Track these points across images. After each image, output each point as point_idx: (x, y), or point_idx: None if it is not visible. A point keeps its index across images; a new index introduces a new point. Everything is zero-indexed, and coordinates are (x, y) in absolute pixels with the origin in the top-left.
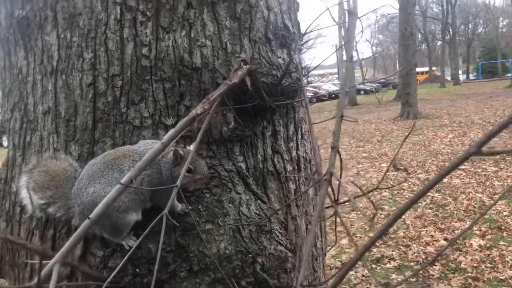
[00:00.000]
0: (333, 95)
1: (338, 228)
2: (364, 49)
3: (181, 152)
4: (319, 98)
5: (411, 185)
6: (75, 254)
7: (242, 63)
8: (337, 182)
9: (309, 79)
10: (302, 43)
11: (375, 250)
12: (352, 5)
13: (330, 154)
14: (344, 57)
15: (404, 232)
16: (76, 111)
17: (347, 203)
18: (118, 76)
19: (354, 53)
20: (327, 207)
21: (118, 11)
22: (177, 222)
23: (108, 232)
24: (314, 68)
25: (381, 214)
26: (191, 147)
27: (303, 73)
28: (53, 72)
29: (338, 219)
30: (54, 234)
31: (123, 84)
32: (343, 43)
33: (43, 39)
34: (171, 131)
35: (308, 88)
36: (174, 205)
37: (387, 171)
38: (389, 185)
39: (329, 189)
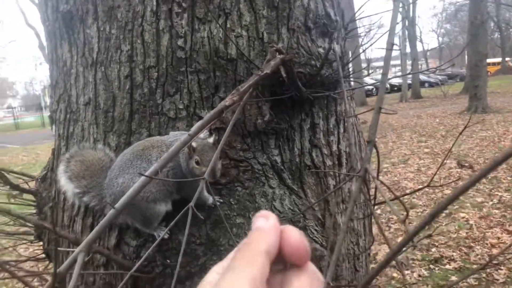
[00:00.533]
0: (395, 88)
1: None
2: (429, 40)
3: (193, 144)
4: (368, 92)
5: (477, 183)
6: (110, 242)
7: (277, 53)
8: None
9: (353, 69)
10: (347, 32)
11: (433, 249)
12: None
13: (365, 148)
14: (408, 49)
15: (466, 233)
16: (114, 102)
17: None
18: (154, 67)
19: (419, 43)
20: (379, 203)
21: (154, 3)
22: (207, 215)
23: (139, 222)
24: (355, 57)
25: (442, 212)
26: (211, 139)
27: (347, 61)
28: (93, 64)
29: (373, 217)
30: (93, 222)
31: (159, 75)
32: (406, 33)
33: (85, 32)
34: (199, 123)
35: (365, 80)
36: (205, 197)
37: (441, 165)
38: (450, 183)
39: (367, 185)
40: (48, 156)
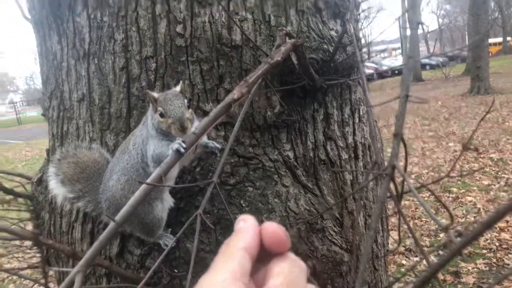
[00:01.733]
0: (396, 71)
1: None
2: (429, 22)
3: (155, 94)
4: (381, 75)
5: (483, 166)
6: (113, 251)
7: (286, 38)
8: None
9: (368, 54)
10: (359, 12)
11: (441, 235)
12: None
13: (393, 142)
14: (408, 32)
15: (474, 217)
16: (110, 97)
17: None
18: (151, 58)
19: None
20: (388, 197)
21: None
22: (217, 219)
23: (140, 232)
24: (373, 41)
25: (448, 196)
26: (177, 88)
27: (360, 46)
28: (85, 56)
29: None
30: (93, 228)
31: (157, 66)
32: (406, 14)
33: (75, 21)
34: (205, 120)
35: (367, 64)
36: (207, 144)
37: (459, 157)
38: (457, 167)
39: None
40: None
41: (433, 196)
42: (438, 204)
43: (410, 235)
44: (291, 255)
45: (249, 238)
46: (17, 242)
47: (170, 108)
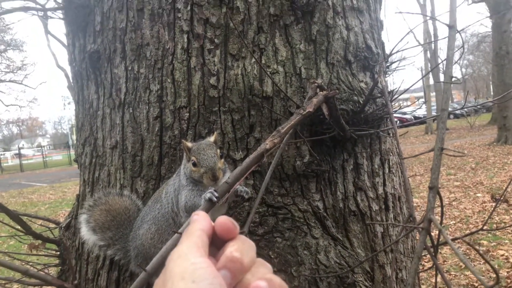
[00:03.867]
0: (419, 121)
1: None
2: (453, 71)
3: (188, 144)
4: (404, 124)
5: None
6: None
7: (318, 89)
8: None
9: (395, 104)
10: (387, 65)
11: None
12: (450, 19)
13: (428, 195)
14: (431, 81)
15: (508, 272)
16: (143, 145)
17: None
18: (185, 108)
19: (441, 75)
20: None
21: (185, 40)
22: None
23: None
24: (403, 93)
25: (479, 250)
26: (211, 138)
27: (390, 98)
28: (120, 105)
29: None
30: (119, 276)
31: (190, 116)
32: (429, 65)
33: (112, 72)
34: (237, 169)
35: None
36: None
37: (493, 211)
38: (487, 219)
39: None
40: (74, 193)
41: (461, 249)
42: (468, 257)
43: None
44: (242, 236)
45: (204, 222)
46: None
47: (203, 157)
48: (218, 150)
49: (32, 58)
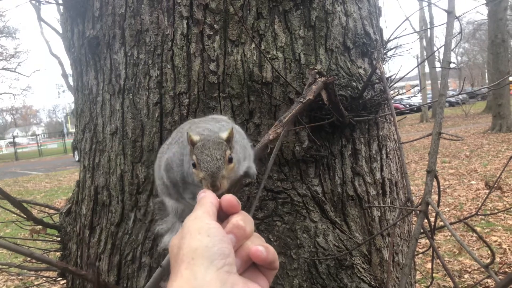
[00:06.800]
0: (415, 108)
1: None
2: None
3: (194, 137)
4: (400, 111)
5: (507, 205)
6: (139, 283)
7: (317, 76)
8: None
9: (393, 91)
10: (385, 51)
11: (466, 276)
12: (449, 5)
13: (426, 178)
14: (426, 69)
15: (500, 257)
16: (143, 131)
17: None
18: (185, 94)
19: (437, 63)
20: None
21: (185, 25)
22: None
23: None
24: (399, 80)
25: (472, 236)
26: (223, 134)
27: (388, 84)
28: (120, 91)
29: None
30: (120, 260)
31: (190, 102)
32: (424, 53)
33: (112, 58)
34: None
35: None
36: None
37: (486, 197)
38: (481, 205)
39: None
40: (70, 182)
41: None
42: (462, 242)
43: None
44: (243, 211)
45: (212, 198)
46: (42, 273)
47: (205, 159)
48: (228, 151)
49: (26, 46)
